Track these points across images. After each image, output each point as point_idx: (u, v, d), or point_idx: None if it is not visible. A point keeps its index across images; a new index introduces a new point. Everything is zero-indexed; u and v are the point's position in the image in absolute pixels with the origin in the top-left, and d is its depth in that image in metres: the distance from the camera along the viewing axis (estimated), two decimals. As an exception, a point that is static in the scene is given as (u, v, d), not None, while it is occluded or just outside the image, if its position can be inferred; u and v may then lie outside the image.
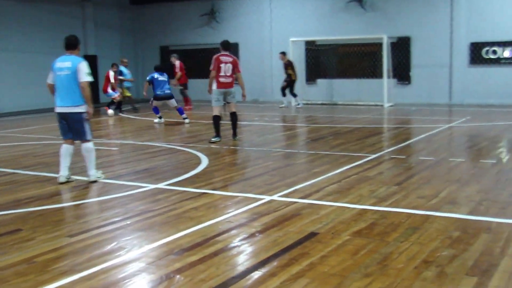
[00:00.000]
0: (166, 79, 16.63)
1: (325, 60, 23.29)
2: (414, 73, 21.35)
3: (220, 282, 4.42)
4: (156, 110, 16.50)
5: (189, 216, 6.36)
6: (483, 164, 9.12)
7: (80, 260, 5.02)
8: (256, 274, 4.60)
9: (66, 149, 8.40)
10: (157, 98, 16.45)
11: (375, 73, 21.66)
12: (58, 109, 8.28)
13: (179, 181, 8.25)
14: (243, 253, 5.17)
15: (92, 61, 24.39)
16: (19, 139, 13.59)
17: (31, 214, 6.65)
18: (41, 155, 11.11)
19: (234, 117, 12.24)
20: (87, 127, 8.29)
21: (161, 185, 7.99)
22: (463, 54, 20.61)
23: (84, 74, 8.08)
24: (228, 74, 11.87)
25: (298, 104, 20.61)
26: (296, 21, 23.21)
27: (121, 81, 20.63)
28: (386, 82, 20.32)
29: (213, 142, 11.82)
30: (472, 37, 20.41)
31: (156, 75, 16.44)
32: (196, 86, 25.41)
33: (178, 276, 4.57)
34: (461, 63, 20.67)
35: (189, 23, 25.87)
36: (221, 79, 11.83)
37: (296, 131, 15.01)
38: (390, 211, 6.37)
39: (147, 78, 16.75)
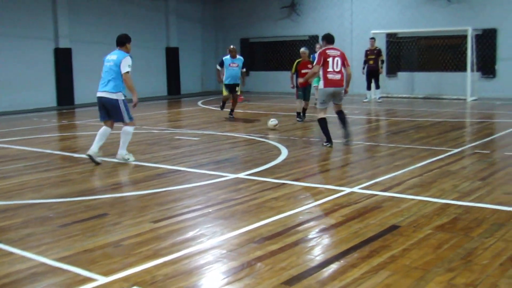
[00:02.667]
0: None
1: (407, 53, 22.85)
2: (499, 66, 20.65)
3: (301, 271, 4.45)
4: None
5: (270, 206, 6.42)
6: None
7: (163, 245, 5.17)
8: (336, 265, 4.60)
9: (103, 130, 9.36)
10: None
11: (459, 66, 21.08)
12: (98, 94, 9.31)
13: (260, 171, 8.33)
14: (323, 244, 5.19)
15: (173, 53, 24.93)
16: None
17: (117, 200, 6.88)
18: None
19: (342, 115, 10.68)
20: (125, 112, 9.17)
21: (242, 175, 8.09)
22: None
23: (125, 67, 9.10)
24: (338, 70, 10.31)
25: (379, 98, 20.19)
26: (377, 13, 22.87)
27: None
28: (470, 75, 19.76)
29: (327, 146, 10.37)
30: None
31: None
32: (276, 78, 25.59)
33: (259, 264, 4.63)
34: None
35: (269, 16, 25.94)
36: (330, 76, 10.27)
37: (376, 124, 14.84)
38: (474, 206, 6.22)
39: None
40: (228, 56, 15.59)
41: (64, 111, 19.44)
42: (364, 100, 20.16)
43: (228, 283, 4.27)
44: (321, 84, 10.39)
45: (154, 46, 24.49)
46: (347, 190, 7.07)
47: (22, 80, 19.81)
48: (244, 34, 26.81)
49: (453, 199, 6.54)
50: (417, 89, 22.05)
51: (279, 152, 9.75)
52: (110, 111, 9.25)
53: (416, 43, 22.51)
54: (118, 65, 9.12)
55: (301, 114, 14.49)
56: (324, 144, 10.39)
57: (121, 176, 8.26)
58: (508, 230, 5.36)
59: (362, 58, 20.63)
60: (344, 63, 10.43)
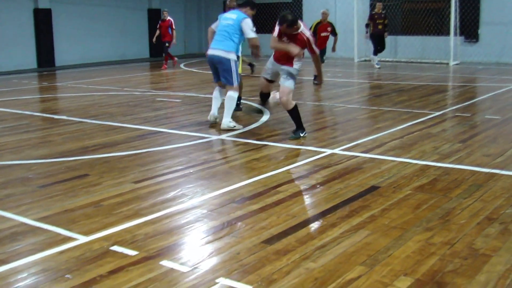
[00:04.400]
0: None
1: (390, 17, 22.73)
2: (482, 30, 20.65)
3: (281, 231, 4.47)
4: None
5: (251, 167, 6.43)
6: (552, 124, 8.85)
7: (144, 205, 5.17)
8: (317, 224, 4.64)
9: (217, 91, 9.10)
10: None
11: (442, 30, 21.06)
12: (210, 51, 8.78)
13: (241, 133, 8.32)
14: (304, 204, 5.21)
15: (156, 15, 24.61)
16: (86, 90, 13.91)
17: (97, 161, 6.85)
18: (106, 106, 11.34)
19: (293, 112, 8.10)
20: (235, 73, 8.70)
21: (223, 136, 8.08)
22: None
23: (250, 32, 8.66)
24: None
25: (377, 64, 18.87)
26: (361, -24, 22.71)
27: None
28: (453, 39, 19.75)
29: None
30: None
31: None
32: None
33: (239, 223, 4.65)
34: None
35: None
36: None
37: (359, 87, 14.83)
38: (454, 168, 6.28)
39: None
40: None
41: (45, 73, 19.21)
42: (377, 66, 18.65)
43: (208, 242, 4.29)
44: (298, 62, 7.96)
45: (135, 7, 24.15)
46: (328, 151, 7.09)
47: (0, 41, 19.50)
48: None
49: (433, 161, 6.59)
50: (400, 53, 22.05)
51: (261, 114, 9.73)
52: (219, 72, 8.76)
53: (400, 6, 22.41)
54: (237, 24, 8.64)
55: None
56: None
57: (102, 137, 8.21)
58: (486, 191, 5.42)
59: (350, 22, 20.48)
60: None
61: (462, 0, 20.44)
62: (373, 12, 19.03)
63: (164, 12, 19.59)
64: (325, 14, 13.64)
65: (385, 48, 19.09)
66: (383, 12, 18.86)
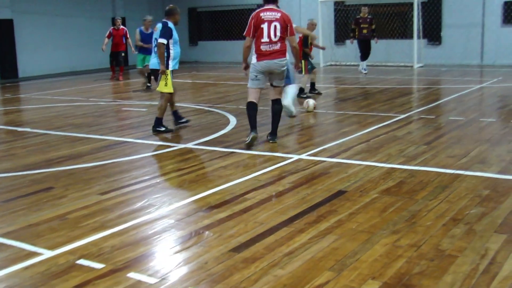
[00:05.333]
0: None
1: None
2: (445, 33, 20.95)
3: (249, 238, 4.46)
4: None
5: (218, 175, 6.41)
6: (514, 124, 9.00)
7: (110, 216, 5.11)
8: (284, 231, 4.63)
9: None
10: None
11: (405, 33, 21.30)
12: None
13: (208, 140, 8.30)
14: (271, 211, 5.21)
15: (122, 23, 24.37)
16: (50, 101, 13.74)
17: (62, 173, 6.76)
18: (71, 117, 11.22)
19: (276, 106, 8.08)
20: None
21: (190, 145, 8.04)
22: (496, 13, 20.14)
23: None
24: (275, 40, 7.77)
25: (365, 70, 18.30)
26: (325, -19, 22.88)
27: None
28: (417, 42, 19.98)
29: (249, 143, 7.75)
30: (506, -5, 19.94)
31: None
32: (224, 48, 25.42)
33: (207, 232, 4.63)
34: (494, 23, 20.21)
35: (217, -16, 25.70)
36: (263, 47, 7.80)
37: (325, 92, 14.89)
38: (419, 170, 6.34)
39: None
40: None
41: (8, 84, 18.90)
42: (363, 72, 18.15)
43: (176, 252, 4.26)
44: (253, 58, 7.90)
45: (99, 16, 23.95)
46: (295, 157, 7.11)
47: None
48: (192, 3, 26.48)
49: (399, 164, 6.64)
50: (365, 56, 22.20)
51: (227, 121, 9.72)
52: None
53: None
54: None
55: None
56: (246, 138, 7.90)
57: (67, 149, 8.10)
58: (451, 192, 5.49)
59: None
60: (284, 31, 7.82)
61: (425, 3, 20.72)
62: (358, 17, 18.55)
63: (118, 21, 18.52)
64: (312, 25, 13.36)
65: (369, 53, 18.51)
66: (369, 16, 18.45)
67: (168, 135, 8.82)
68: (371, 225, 4.68)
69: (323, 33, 21.47)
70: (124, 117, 10.98)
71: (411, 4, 20.20)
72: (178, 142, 8.25)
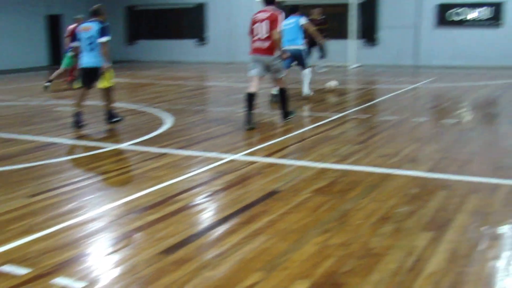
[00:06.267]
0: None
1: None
2: (381, 34, 21.36)
3: (180, 240, 4.42)
4: None
5: (150, 176, 6.34)
6: (444, 123, 9.23)
7: (39, 219, 4.98)
8: (216, 232, 4.61)
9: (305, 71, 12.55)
10: None
11: (342, 34, 21.58)
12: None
13: (142, 141, 8.20)
14: (204, 211, 5.18)
15: (56, 21, 23.90)
16: (-21, 101, 13.33)
17: (-10, 175, 6.55)
18: (0, 117, 10.90)
19: (281, 95, 9.58)
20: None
21: (123, 146, 7.93)
22: (430, 15, 20.68)
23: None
24: (264, 37, 9.08)
25: (321, 69, 18.42)
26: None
27: None
28: (353, 43, 20.29)
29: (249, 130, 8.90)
30: (438, -2, 20.50)
31: None
32: (162, 47, 25.22)
33: (137, 234, 4.56)
34: (428, 25, 20.77)
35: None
36: (256, 44, 9.24)
37: (261, 92, 14.94)
38: (351, 170, 6.43)
39: None
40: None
41: None
42: (319, 71, 18.16)
43: (105, 255, 4.19)
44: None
45: (32, 12, 23.36)
46: (229, 157, 7.10)
47: None
48: (129, 2, 26.16)
49: (331, 163, 6.72)
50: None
51: (162, 122, 9.63)
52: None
53: (300, 10, 22.76)
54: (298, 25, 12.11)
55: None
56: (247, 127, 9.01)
57: (-5, 150, 7.88)
58: (381, 191, 5.58)
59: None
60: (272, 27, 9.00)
61: (361, 5, 21.06)
62: (310, 18, 18.42)
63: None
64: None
65: (324, 53, 18.47)
66: (323, 17, 18.43)
67: (102, 135, 8.67)
68: (303, 224, 4.71)
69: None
70: (57, 117, 10.73)
71: (348, 5, 20.49)
72: (110, 143, 8.12)
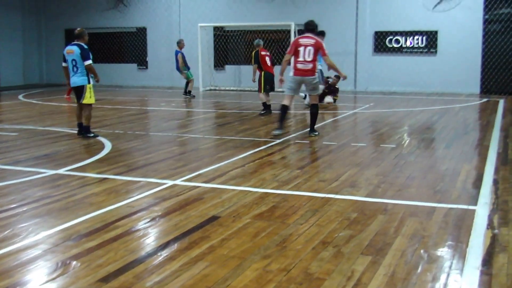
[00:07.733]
0: None
1: (234, 46, 23.32)
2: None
3: (118, 267, 4.34)
4: None
5: (89, 202, 6.22)
6: (383, 148, 9.41)
7: (-29, 248, 4.81)
8: (155, 259, 4.55)
9: None
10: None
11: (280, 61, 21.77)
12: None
13: (80, 166, 8.05)
14: (143, 238, 5.11)
15: None
16: None
17: None
18: None
19: (313, 109, 10.79)
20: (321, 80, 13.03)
21: (61, 171, 7.77)
22: (368, 42, 21.16)
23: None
24: (309, 59, 10.43)
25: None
26: (204, 6, 23.12)
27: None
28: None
29: (276, 136, 10.53)
30: (377, 26, 21.00)
31: None
32: (102, 71, 24.89)
33: (74, 262, 4.46)
34: (365, 52, 21.23)
35: (96, 6, 25.27)
36: (299, 65, 10.48)
37: (203, 117, 14.96)
38: (292, 194, 6.46)
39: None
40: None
41: None
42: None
43: (40, 284, 4.06)
44: (291, 72, 10.62)
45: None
46: (170, 182, 7.04)
47: None
48: (69, 24, 25.81)
49: (272, 188, 6.74)
50: (244, 81, 22.57)
51: (102, 146, 9.50)
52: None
53: (243, 36, 23.02)
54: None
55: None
56: (275, 132, 10.63)
57: None
58: (321, 216, 5.62)
59: (194, 52, 20.59)
60: (318, 52, 10.56)
61: (302, 31, 21.34)
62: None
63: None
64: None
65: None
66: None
67: (40, 160, 8.47)
68: (243, 250, 4.70)
69: (203, 58, 21.63)
70: (-8, 141, 10.44)
71: (289, 31, 20.76)
72: (48, 168, 7.93)
